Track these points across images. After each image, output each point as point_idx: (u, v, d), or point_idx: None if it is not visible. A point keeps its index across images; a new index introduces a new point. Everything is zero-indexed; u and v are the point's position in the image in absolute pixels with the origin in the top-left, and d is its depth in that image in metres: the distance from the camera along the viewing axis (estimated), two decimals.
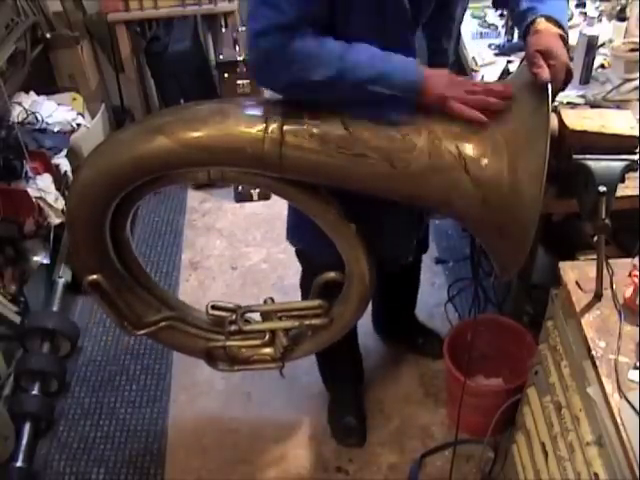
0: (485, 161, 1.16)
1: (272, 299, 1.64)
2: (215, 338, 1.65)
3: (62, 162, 2.60)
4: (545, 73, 1.14)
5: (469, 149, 1.18)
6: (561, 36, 1.23)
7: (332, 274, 1.56)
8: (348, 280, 1.53)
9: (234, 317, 1.62)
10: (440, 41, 1.37)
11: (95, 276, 1.47)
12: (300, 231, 1.66)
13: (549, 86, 1.13)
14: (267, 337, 1.61)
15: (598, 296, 1.26)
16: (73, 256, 1.52)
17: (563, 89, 1.23)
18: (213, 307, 1.65)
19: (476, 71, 2.00)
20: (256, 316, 1.68)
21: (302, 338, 1.65)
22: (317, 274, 1.59)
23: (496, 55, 2.07)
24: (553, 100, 1.17)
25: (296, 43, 1.13)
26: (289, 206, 1.66)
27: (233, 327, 1.61)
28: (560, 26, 1.24)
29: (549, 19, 1.23)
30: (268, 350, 1.63)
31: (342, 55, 1.16)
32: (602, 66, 1.90)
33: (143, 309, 1.62)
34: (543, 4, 1.26)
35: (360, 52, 1.18)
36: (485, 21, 2.28)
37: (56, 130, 2.67)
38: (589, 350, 1.19)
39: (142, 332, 1.61)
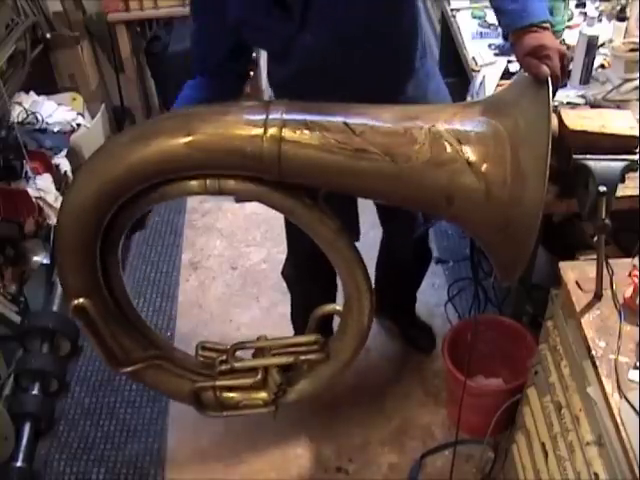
0: (488, 154, 1.16)
1: (265, 336, 1.59)
2: (204, 379, 1.58)
3: (62, 162, 2.61)
4: (541, 69, 1.15)
5: (471, 142, 1.17)
6: (543, 27, 1.21)
7: (330, 307, 1.53)
8: (346, 312, 1.48)
9: (225, 357, 1.55)
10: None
11: (82, 300, 1.38)
12: None
13: (549, 80, 1.13)
14: (259, 375, 1.54)
15: (598, 296, 1.26)
16: (60, 277, 1.41)
17: (565, 85, 1.22)
18: (203, 347, 1.59)
19: (476, 71, 2.00)
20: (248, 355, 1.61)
21: (297, 378, 1.59)
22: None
23: (496, 55, 2.07)
24: (554, 93, 1.17)
25: None
26: None
27: (224, 366, 1.54)
28: (539, 23, 1.22)
29: (524, 27, 1.21)
30: (260, 394, 1.57)
31: None
32: (602, 66, 1.90)
33: (129, 345, 1.53)
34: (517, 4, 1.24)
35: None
36: (485, 21, 2.28)
37: (56, 130, 2.68)
38: (589, 350, 1.19)
39: (128, 369, 1.52)
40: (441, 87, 1.73)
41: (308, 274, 1.97)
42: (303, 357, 1.52)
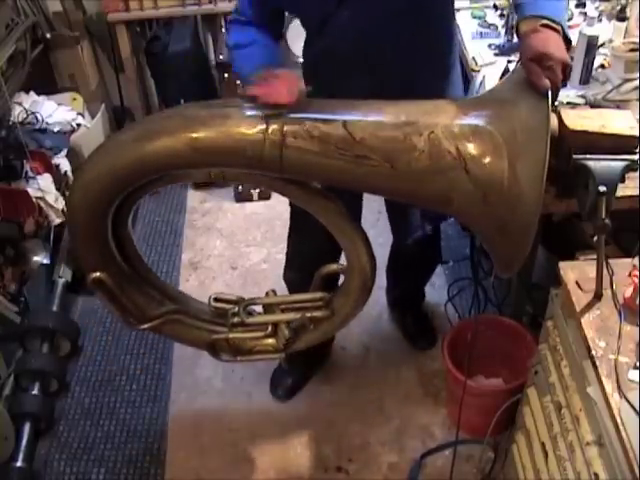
0: (485, 161, 1.17)
1: (274, 291, 1.66)
2: (218, 330, 1.66)
3: (62, 162, 2.61)
4: (542, 82, 1.14)
5: (469, 149, 1.18)
6: (554, 29, 1.19)
7: (334, 266, 1.57)
8: (349, 273, 1.53)
9: (237, 309, 1.63)
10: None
11: (99, 274, 1.48)
12: None
13: (549, 93, 1.13)
14: (269, 329, 1.62)
15: (598, 296, 1.26)
16: (76, 255, 1.53)
17: (564, 85, 1.22)
18: (216, 299, 1.66)
19: (476, 71, 2.00)
20: (258, 308, 1.68)
21: (304, 329, 1.65)
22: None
23: (496, 55, 2.07)
24: (554, 101, 1.17)
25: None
26: None
27: (236, 319, 1.62)
28: (551, 19, 1.20)
29: (536, 17, 1.20)
30: (271, 341, 1.64)
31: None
32: (602, 66, 1.90)
33: (146, 303, 1.62)
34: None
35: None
36: (485, 21, 2.28)
37: (56, 130, 2.68)
38: (589, 350, 1.19)
39: (146, 326, 1.62)
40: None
41: (311, 277, 1.98)
42: (309, 314, 1.59)
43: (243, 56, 1.53)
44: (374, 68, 1.49)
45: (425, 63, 1.55)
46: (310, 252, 1.82)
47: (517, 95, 1.21)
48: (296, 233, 1.96)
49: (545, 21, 1.19)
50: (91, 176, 1.35)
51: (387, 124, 1.22)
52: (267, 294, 1.66)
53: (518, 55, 1.26)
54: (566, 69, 1.18)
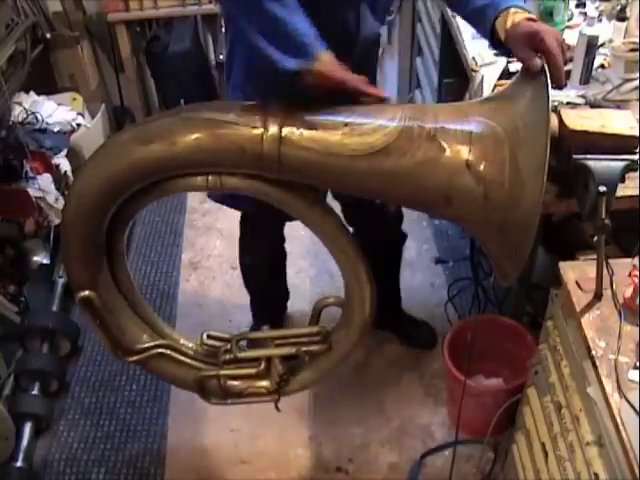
0: (487, 156, 1.16)
1: (268, 327, 1.62)
2: (208, 368, 1.60)
3: (62, 162, 2.61)
4: (534, 60, 1.17)
5: (469, 143, 1.17)
6: (531, 17, 1.25)
7: (331, 299, 1.54)
8: (348, 304, 1.50)
9: (229, 346, 1.58)
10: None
11: (87, 292, 1.41)
12: None
13: (545, 68, 1.14)
14: (262, 365, 1.55)
15: (598, 296, 1.26)
16: (67, 270, 1.46)
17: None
18: (208, 337, 1.61)
19: (476, 71, 2.00)
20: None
21: (300, 368, 1.60)
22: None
23: (496, 55, 2.07)
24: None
25: None
26: None
27: (228, 356, 1.56)
28: (520, 7, 1.26)
29: (513, 8, 1.25)
30: (263, 383, 1.58)
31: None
32: (602, 66, 1.90)
33: (135, 335, 1.56)
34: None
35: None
36: None
37: (56, 130, 2.68)
38: (589, 350, 1.19)
39: (134, 359, 1.55)
40: None
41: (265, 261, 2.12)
42: (305, 348, 1.54)
43: (294, 11, 1.21)
44: None
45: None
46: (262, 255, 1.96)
47: (518, 94, 1.21)
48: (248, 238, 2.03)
49: (517, 10, 1.25)
50: (87, 181, 1.32)
51: (387, 124, 1.22)
52: (262, 329, 1.61)
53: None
54: (562, 43, 1.20)
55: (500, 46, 1.31)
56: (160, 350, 1.57)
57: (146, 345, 1.56)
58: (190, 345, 1.64)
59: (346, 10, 1.42)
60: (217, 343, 1.61)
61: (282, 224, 2.02)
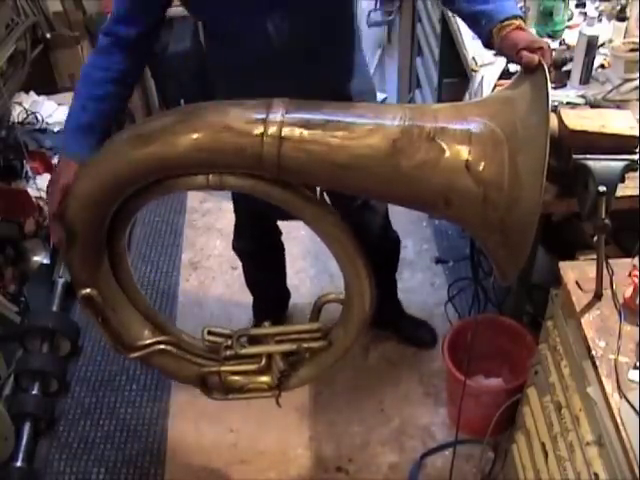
0: (486, 157, 1.16)
1: (269, 323, 1.62)
2: (209, 364, 1.61)
3: None
4: (534, 58, 1.19)
5: (469, 144, 1.17)
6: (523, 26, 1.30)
7: (332, 296, 1.54)
8: (348, 300, 1.50)
9: (230, 342, 1.58)
10: (299, 25, 1.44)
11: (89, 290, 1.43)
12: None
13: (545, 67, 1.15)
14: (263, 361, 1.56)
15: (598, 296, 1.26)
16: (68, 269, 1.48)
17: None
18: (209, 332, 1.62)
19: (476, 71, 2.00)
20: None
21: (300, 364, 1.60)
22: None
23: (496, 55, 2.07)
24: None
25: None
26: None
27: (229, 352, 1.57)
28: (517, 16, 1.30)
29: (509, 19, 1.29)
30: (264, 378, 1.59)
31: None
32: (602, 66, 1.89)
33: (137, 331, 1.57)
34: (492, 3, 1.32)
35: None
36: None
37: (56, 130, 2.68)
38: (589, 350, 1.19)
39: (136, 355, 1.57)
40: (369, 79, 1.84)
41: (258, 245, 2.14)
42: (306, 345, 1.55)
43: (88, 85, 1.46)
44: (289, 74, 1.49)
45: (337, 60, 1.59)
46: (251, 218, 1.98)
47: (517, 95, 1.21)
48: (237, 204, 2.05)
49: (516, 20, 1.29)
50: (87, 181, 1.32)
51: (387, 124, 1.22)
52: (262, 325, 1.62)
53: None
54: (551, 54, 1.25)
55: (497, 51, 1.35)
56: (161, 346, 1.59)
57: (148, 341, 1.58)
58: (191, 341, 1.66)
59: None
60: (218, 339, 1.62)
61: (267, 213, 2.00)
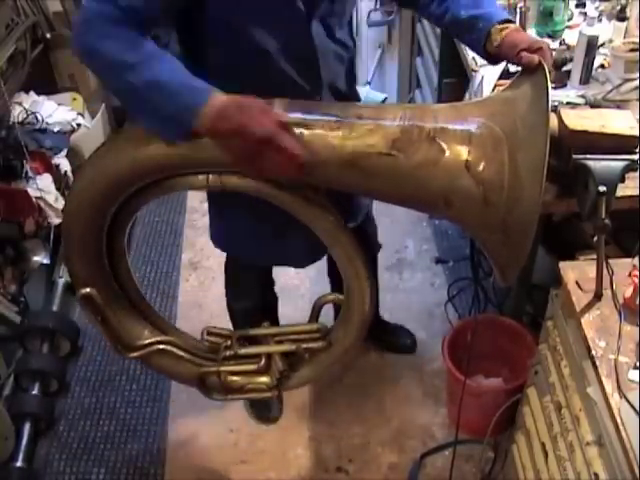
0: (486, 157, 1.16)
1: (269, 323, 1.63)
2: (209, 364, 1.61)
3: (62, 162, 2.61)
4: (534, 58, 1.20)
5: (468, 144, 1.17)
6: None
7: (331, 297, 1.54)
8: (347, 301, 1.49)
9: (229, 343, 1.59)
10: (333, 30, 1.41)
11: (89, 289, 1.43)
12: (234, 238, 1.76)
13: (545, 67, 1.16)
14: (263, 362, 1.56)
15: (598, 296, 1.26)
16: (68, 267, 1.47)
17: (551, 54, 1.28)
18: (209, 333, 1.62)
19: (476, 71, 2.00)
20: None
21: (299, 364, 1.61)
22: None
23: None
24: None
25: (121, 25, 1.16)
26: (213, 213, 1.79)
27: (228, 352, 1.57)
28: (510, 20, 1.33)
29: (503, 22, 1.31)
30: (264, 379, 1.59)
31: (150, 54, 1.24)
32: (602, 66, 1.90)
33: (136, 331, 1.57)
34: (485, 9, 1.34)
35: (165, 61, 1.26)
36: None
37: (56, 130, 2.68)
38: (589, 350, 1.19)
39: (135, 355, 1.57)
40: None
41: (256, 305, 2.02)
42: (305, 345, 1.55)
43: (165, 62, 1.25)
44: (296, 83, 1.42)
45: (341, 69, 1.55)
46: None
47: (517, 95, 1.21)
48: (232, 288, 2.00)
49: (511, 24, 1.32)
50: (87, 181, 1.32)
51: (387, 124, 1.22)
52: (262, 326, 1.62)
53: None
54: (551, 54, 1.27)
55: (490, 58, 1.37)
56: (161, 346, 1.59)
57: (147, 341, 1.58)
58: (191, 341, 1.65)
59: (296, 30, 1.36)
60: (218, 339, 1.62)
61: (270, 267, 1.98)
